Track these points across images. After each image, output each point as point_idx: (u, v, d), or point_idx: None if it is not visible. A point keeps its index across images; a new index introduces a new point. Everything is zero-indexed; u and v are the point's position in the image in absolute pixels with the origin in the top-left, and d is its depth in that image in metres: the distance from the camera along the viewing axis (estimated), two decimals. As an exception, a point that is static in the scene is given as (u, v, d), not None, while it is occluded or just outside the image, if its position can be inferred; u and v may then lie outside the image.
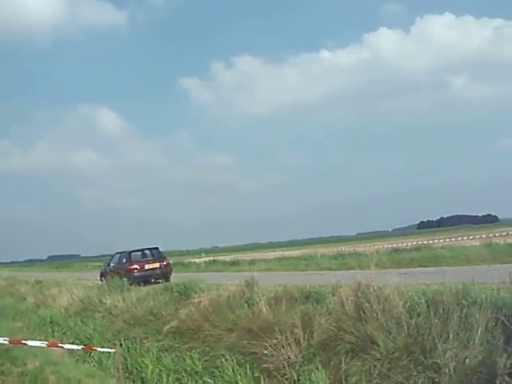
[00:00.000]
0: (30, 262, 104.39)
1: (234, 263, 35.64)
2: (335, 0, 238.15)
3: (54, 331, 16.40)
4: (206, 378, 9.62)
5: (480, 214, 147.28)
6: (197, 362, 10.35)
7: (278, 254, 48.48)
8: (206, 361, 10.36)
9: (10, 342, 6.50)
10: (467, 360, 6.61)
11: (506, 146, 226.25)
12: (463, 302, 7.40)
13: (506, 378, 6.08)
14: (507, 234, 36.37)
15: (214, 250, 75.23)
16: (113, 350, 8.05)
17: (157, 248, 26.06)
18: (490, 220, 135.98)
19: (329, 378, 7.70)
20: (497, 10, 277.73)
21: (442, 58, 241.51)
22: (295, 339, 8.98)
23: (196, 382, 9.75)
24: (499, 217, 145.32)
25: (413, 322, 7.71)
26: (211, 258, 41.38)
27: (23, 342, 6.35)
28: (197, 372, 10.11)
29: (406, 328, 7.70)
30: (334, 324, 8.77)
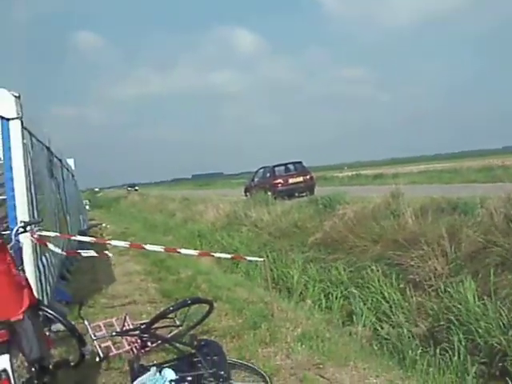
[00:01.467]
0: (176, 181, 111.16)
1: (377, 177, 35.53)
2: None
3: (201, 244, 17.78)
4: (351, 288, 10.12)
5: None
6: (342, 273, 10.87)
7: (421, 167, 47.39)
8: (350, 271, 10.86)
9: (165, 250, 7.39)
10: None
11: None
12: None
13: None
14: None
15: (356, 165, 74.86)
16: (261, 260, 8.74)
17: (300, 162, 26.66)
18: None
19: (477, 291, 7.81)
20: None
21: None
22: (442, 251, 9.15)
23: (341, 291, 10.28)
24: None
25: None
26: (354, 172, 41.44)
27: (178, 250, 7.19)
28: (342, 282, 10.64)
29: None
30: (482, 236, 8.78)
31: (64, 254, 8.45)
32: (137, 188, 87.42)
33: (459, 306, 7.56)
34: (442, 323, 7.73)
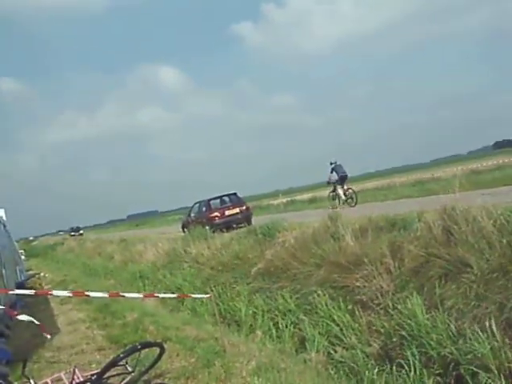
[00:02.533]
0: (111, 223, 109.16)
1: (312, 201, 35.95)
2: None
3: (144, 285, 17.46)
4: (300, 315, 10.08)
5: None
6: (289, 300, 10.79)
7: (354, 187, 48.42)
8: (297, 298, 10.80)
9: (109, 296, 7.16)
10: None
11: None
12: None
13: None
14: None
15: (290, 191, 75.59)
16: (207, 296, 8.63)
17: (235, 193, 26.64)
18: None
19: (424, 304, 7.92)
20: None
21: None
22: (385, 268, 9.25)
23: (290, 319, 10.22)
24: None
25: (505, 240, 7.76)
26: (289, 199, 41.84)
27: (121, 294, 6.96)
28: (290, 310, 10.56)
29: (498, 247, 7.77)
30: (423, 250, 8.91)
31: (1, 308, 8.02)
32: (81, 232, 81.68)
33: (409, 321, 7.63)
34: (394, 340, 7.78)
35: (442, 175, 31.80)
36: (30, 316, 6.66)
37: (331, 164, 23.22)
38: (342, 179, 23.04)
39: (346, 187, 23.19)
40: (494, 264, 7.62)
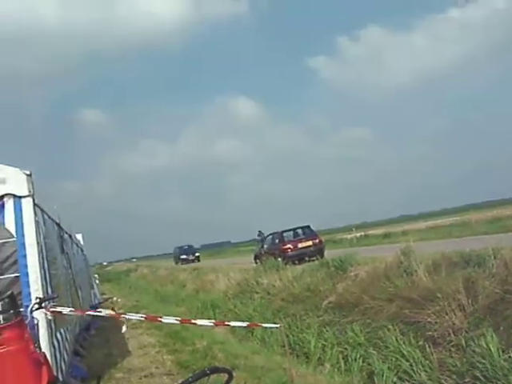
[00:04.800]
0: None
1: (386, 236, 35.54)
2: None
3: (215, 313, 17.61)
4: (369, 349, 9.93)
5: None
6: (359, 334, 10.69)
7: (429, 223, 47.46)
8: (367, 332, 10.68)
9: (180, 322, 7.34)
10: None
11: None
12: None
13: None
14: None
15: (364, 225, 74.68)
16: (277, 326, 8.69)
17: (308, 226, 26.70)
18: None
19: (500, 344, 7.64)
20: None
21: None
22: (459, 305, 9.02)
23: (360, 353, 10.09)
24: None
25: None
26: (362, 233, 41.43)
27: (193, 321, 7.14)
28: (360, 344, 10.45)
29: None
30: (499, 287, 8.67)
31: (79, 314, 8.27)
32: (198, 254, 53.80)
33: (483, 360, 7.37)
34: (467, 380, 7.53)
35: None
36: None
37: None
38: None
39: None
40: None
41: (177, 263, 51.75)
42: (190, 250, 55.32)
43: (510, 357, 7.22)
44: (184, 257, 51.73)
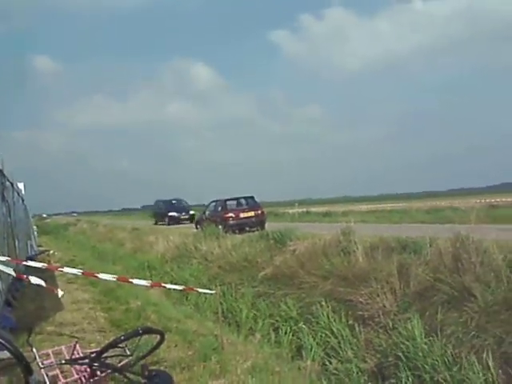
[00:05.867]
0: (125, 211, 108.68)
1: (327, 214, 36.13)
2: None
3: (151, 275, 17.55)
4: (300, 324, 10.15)
5: None
6: (292, 308, 10.87)
7: (370, 206, 48.64)
8: (300, 307, 10.86)
9: (117, 279, 7.31)
10: None
11: None
12: None
13: None
14: None
15: (307, 202, 75.63)
16: (212, 292, 8.77)
17: (252, 197, 26.87)
18: None
19: (424, 328, 7.95)
20: None
21: None
22: (391, 288, 9.29)
23: (290, 326, 10.29)
24: None
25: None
26: (304, 209, 41.96)
27: (130, 280, 7.13)
28: (291, 317, 10.64)
29: (505, 282, 7.83)
30: (430, 274, 8.98)
31: (13, 274, 8.19)
32: (193, 213, 38.79)
33: (407, 342, 7.67)
34: (390, 359, 7.82)
35: (460, 205, 31.74)
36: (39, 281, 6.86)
37: None
38: None
39: None
40: (498, 297, 7.66)
41: (157, 223, 41.23)
42: (180, 205, 41.62)
43: (429, 340, 7.53)
44: (174, 214, 39.32)
